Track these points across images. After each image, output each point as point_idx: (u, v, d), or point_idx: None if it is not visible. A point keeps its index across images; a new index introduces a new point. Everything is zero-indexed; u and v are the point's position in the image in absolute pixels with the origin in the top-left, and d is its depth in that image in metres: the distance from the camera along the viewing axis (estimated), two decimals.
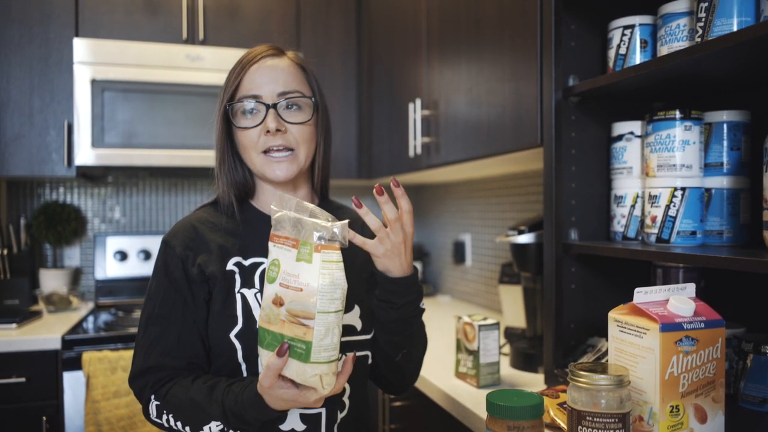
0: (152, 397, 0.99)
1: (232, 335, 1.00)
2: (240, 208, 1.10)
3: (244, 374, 1.00)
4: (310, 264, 0.83)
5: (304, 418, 1.01)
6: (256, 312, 1.01)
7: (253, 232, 1.08)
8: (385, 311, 1.01)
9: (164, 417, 0.98)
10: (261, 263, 1.05)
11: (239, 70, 1.06)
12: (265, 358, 0.88)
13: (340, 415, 1.05)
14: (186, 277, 1.02)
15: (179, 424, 0.97)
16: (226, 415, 0.93)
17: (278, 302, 0.85)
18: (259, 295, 1.03)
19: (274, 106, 1.03)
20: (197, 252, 1.04)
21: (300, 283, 0.83)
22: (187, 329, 1.01)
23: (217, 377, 0.99)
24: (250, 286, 1.03)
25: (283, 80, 1.05)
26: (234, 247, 1.05)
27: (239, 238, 1.07)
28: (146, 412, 1.01)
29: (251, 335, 1.00)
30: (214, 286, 1.03)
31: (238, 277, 1.03)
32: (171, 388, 0.98)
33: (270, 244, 0.90)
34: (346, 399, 1.05)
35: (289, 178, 1.06)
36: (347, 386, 1.05)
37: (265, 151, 1.05)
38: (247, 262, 1.05)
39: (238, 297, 1.02)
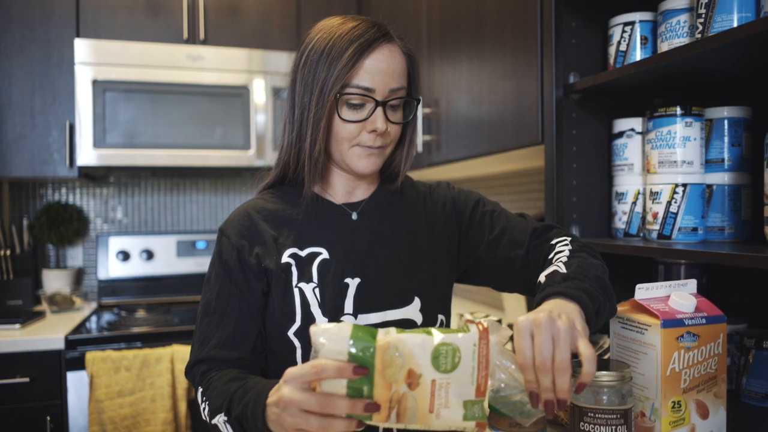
0: (199, 387, 0.96)
1: (290, 333, 0.96)
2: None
3: None
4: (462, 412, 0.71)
5: None
6: (315, 309, 0.97)
7: (314, 222, 1.03)
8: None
9: (202, 406, 0.93)
10: (319, 253, 1.00)
11: (354, 54, 0.93)
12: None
13: None
14: (242, 268, 0.98)
15: (210, 415, 0.92)
16: (229, 408, 0.86)
17: (410, 382, 0.71)
18: (317, 290, 0.98)
19: (384, 104, 0.96)
20: (253, 242, 0.99)
21: (435, 407, 0.71)
22: (242, 322, 0.97)
23: (250, 375, 0.92)
24: (308, 279, 0.98)
25: (396, 74, 0.97)
26: (289, 238, 1.00)
27: (295, 227, 1.01)
28: (198, 403, 0.96)
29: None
30: (271, 280, 0.98)
31: (294, 270, 0.98)
32: (214, 375, 0.94)
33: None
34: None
35: (374, 173, 1.03)
36: None
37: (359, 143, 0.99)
38: (303, 253, 1.00)
39: (296, 291, 0.97)
